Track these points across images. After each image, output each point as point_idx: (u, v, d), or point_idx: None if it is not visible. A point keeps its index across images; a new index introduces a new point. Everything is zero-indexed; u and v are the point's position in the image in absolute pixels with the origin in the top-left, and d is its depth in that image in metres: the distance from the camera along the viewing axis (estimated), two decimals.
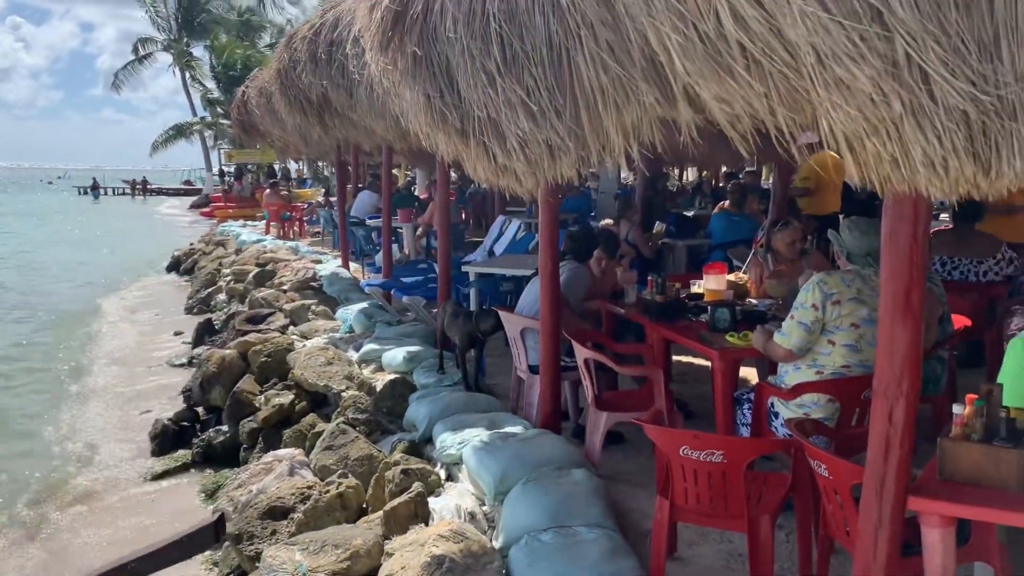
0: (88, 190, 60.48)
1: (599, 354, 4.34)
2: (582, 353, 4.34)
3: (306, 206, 21.19)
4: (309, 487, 4.47)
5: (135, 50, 50.29)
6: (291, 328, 8.76)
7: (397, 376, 6.14)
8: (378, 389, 6.05)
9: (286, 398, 6.28)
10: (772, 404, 3.65)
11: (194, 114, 50.23)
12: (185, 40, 48.94)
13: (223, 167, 46.83)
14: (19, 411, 8.46)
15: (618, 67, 1.73)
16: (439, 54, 1.99)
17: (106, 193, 60.64)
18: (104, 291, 16.08)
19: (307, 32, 4.67)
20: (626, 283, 5.44)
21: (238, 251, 16.13)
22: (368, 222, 13.18)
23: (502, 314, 5.35)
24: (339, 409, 5.79)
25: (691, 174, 23.82)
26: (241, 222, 22.52)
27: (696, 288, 5.26)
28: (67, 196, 60.98)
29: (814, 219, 7.42)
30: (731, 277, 5.33)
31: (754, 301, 4.98)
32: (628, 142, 1.90)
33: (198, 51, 49.91)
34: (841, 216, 7.15)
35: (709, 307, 4.47)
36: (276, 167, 39.49)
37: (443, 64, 1.99)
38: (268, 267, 12.57)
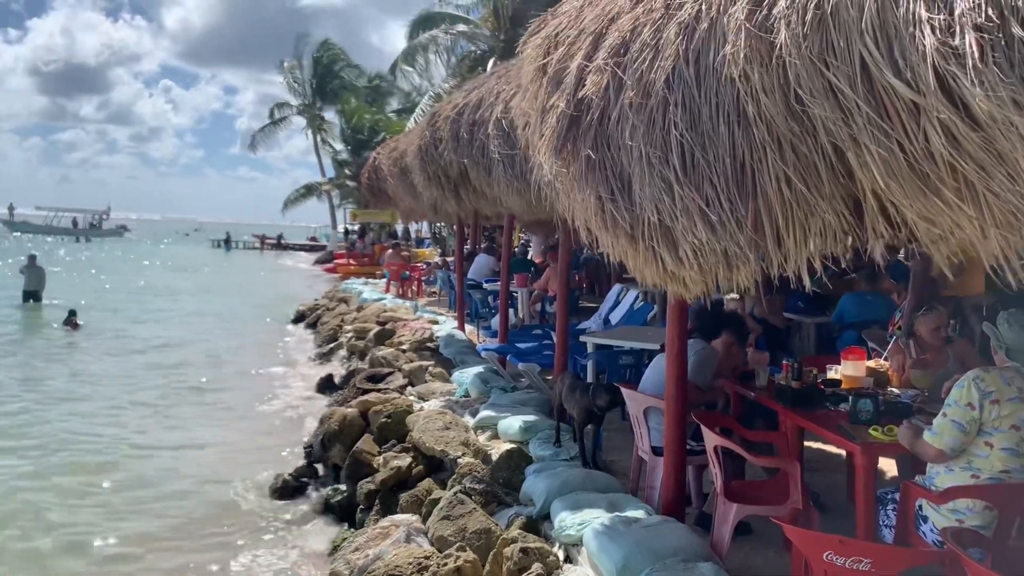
0: (221, 243, 64.17)
1: (730, 441, 4.17)
2: (711, 439, 4.18)
3: (424, 267, 21.73)
4: (426, 557, 4.45)
5: (272, 113, 53.64)
6: (409, 388, 8.91)
7: (513, 446, 6.10)
8: (494, 458, 6.03)
9: (404, 461, 6.33)
10: (920, 507, 3.40)
11: (323, 174, 52.81)
12: (318, 104, 51.85)
13: (347, 225, 48.94)
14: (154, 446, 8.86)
15: (806, 181, 1.68)
16: (613, 158, 2.00)
17: (237, 246, 64.17)
18: (233, 341, 16.85)
19: (450, 112, 4.83)
20: (757, 364, 5.24)
21: (359, 308, 16.65)
22: (484, 285, 13.39)
23: (624, 391, 5.25)
24: (455, 476, 5.78)
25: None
26: (363, 279, 23.27)
27: (833, 374, 5.00)
28: (203, 248, 64.86)
29: (955, 301, 7.00)
30: (870, 363, 5.06)
31: (897, 391, 4.70)
32: (812, 255, 1.84)
33: (329, 115, 52.74)
34: (987, 301, 6.70)
35: (850, 396, 4.24)
36: (397, 227, 40.89)
37: (617, 168, 2.00)
38: (388, 326, 12.89)
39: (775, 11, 1.60)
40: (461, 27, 25.53)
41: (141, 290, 27.89)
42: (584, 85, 2.11)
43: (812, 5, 1.52)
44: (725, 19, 1.74)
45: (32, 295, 21.36)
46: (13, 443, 9.08)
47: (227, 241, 63.14)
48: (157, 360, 14.55)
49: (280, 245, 63.27)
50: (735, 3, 1.74)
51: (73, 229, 74.85)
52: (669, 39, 1.85)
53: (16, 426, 9.81)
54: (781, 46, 1.55)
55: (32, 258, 22.03)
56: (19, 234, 65.89)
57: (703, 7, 1.83)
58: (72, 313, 18.04)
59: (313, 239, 68.66)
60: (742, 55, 1.65)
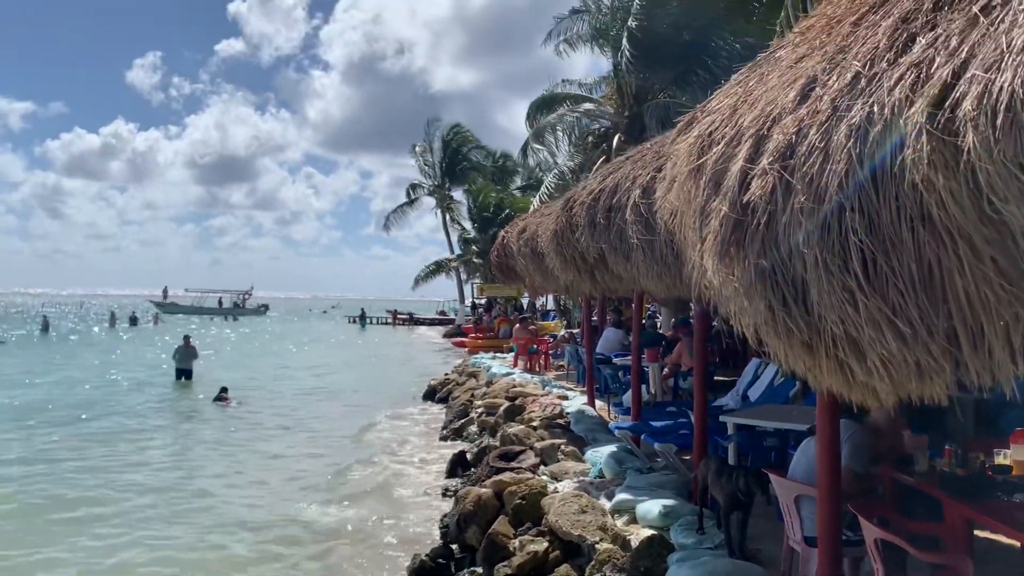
0: (357, 319, 66.72)
1: (891, 534, 3.88)
2: (871, 532, 3.90)
3: (551, 340, 21.76)
4: None
5: (408, 193, 56.12)
6: (542, 468, 8.83)
7: (654, 532, 5.89)
8: (633, 544, 5.84)
9: (540, 545, 6.23)
10: None
11: (451, 251, 54.39)
12: (447, 185, 53.83)
13: (475, 300, 49.98)
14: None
15: (1006, 283, 1.57)
16: (784, 264, 1.94)
17: (372, 322, 66.51)
18: (369, 417, 17.30)
19: (585, 198, 4.89)
20: (915, 448, 4.89)
21: (489, 383, 16.78)
22: (614, 360, 13.22)
23: (773, 478, 5.00)
24: (594, 563, 5.63)
25: None
26: (491, 354, 23.51)
27: (1001, 459, 4.60)
28: (340, 324, 67.63)
29: None
30: None
31: None
32: (1016, 360, 1.71)
33: (457, 194, 54.63)
34: None
35: None
36: (523, 300, 41.33)
37: (789, 275, 1.94)
38: (517, 401, 12.90)
39: (959, 113, 1.53)
40: (587, 106, 26.01)
41: (283, 366, 29.21)
42: (748, 188, 2.07)
43: (1003, 107, 1.44)
44: (902, 121, 1.67)
45: (184, 373, 22.79)
46: (196, 518, 9.56)
47: (362, 317, 65.60)
48: (302, 438, 15.09)
49: (411, 320, 65.10)
50: (911, 105, 1.67)
51: (218, 308, 79.78)
52: (840, 142, 1.79)
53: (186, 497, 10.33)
54: (969, 150, 1.46)
55: (187, 339, 23.57)
56: (170, 315, 70.79)
57: (875, 108, 1.76)
58: (223, 390, 19.12)
59: (442, 313, 70.32)
60: (925, 160, 1.57)
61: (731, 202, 2.14)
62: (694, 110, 3.09)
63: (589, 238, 4.72)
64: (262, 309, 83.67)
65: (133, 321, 58.58)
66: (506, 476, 7.97)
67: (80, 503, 10.02)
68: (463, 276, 54.88)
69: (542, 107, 26.67)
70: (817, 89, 2.03)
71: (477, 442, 12.36)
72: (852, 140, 1.78)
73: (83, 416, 16.84)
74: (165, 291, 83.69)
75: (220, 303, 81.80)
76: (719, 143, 2.39)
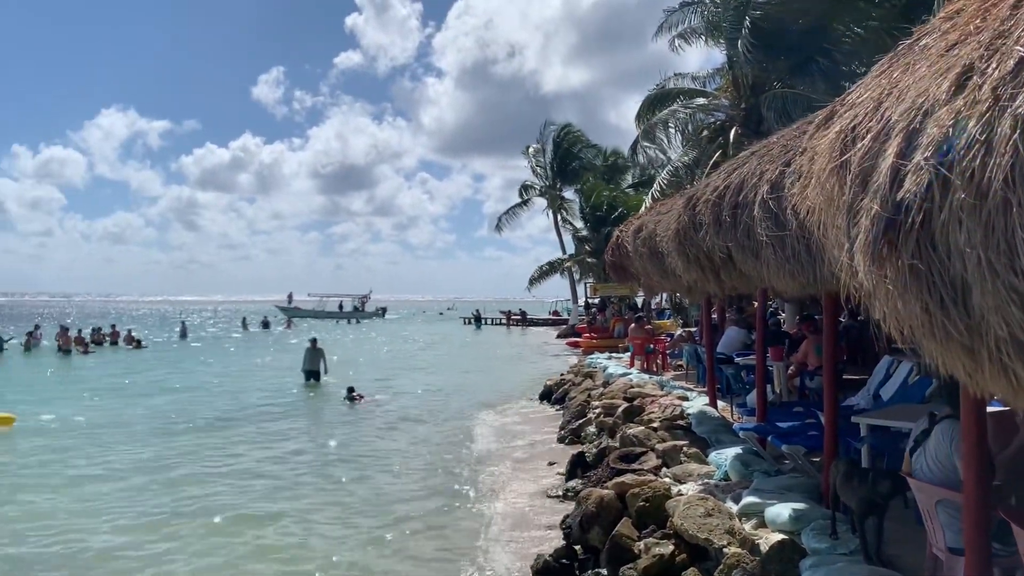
0: (472, 320, 67.77)
1: None
2: None
3: (668, 339, 21.43)
4: None
5: (520, 194, 56.63)
6: (664, 470, 8.72)
7: (784, 537, 5.72)
8: (762, 548, 5.69)
9: (666, 548, 6.16)
10: None
11: (563, 251, 54.52)
12: (558, 185, 53.98)
13: (588, 299, 49.87)
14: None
15: None
16: (942, 264, 1.85)
17: (486, 323, 67.39)
18: (484, 416, 17.54)
19: (710, 195, 4.79)
20: None
21: (605, 384, 16.69)
22: (736, 359, 12.90)
23: (911, 482, 4.76)
24: (722, 567, 5.52)
25: None
26: (607, 354, 23.38)
27: None
28: (455, 325, 68.87)
29: None
30: None
31: None
32: None
33: (568, 194, 54.70)
34: None
35: None
36: (637, 299, 40.92)
37: (947, 275, 1.85)
38: (636, 402, 12.77)
39: None
40: (700, 100, 25.50)
41: (402, 366, 30.01)
42: (901, 185, 1.98)
43: None
44: None
45: (312, 374, 23.77)
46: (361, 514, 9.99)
47: (477, 318, 66.60)
48: (421, 436, 15.46)
49: (524, 320, 65.57)
50: None
51: (338, 312, 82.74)
52: (1004, 134, 1.69)
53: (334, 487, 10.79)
54: None
55: (313, 341, 24.60)
56: (295, 319, 73.81)
57: None
58: (351, 390, 19.89)
59: (555, 313, 70.49)
60: None
61: (882, 200, 2.05)
62: (832, 104, 2.97)
63: (715, 236, 4.61)
64: (380, 312, 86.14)
65: (265, 325, 61.42)
66: (628, 478, 7.92)
67: (251, 504, 10.56)
68: (576, 276, 54.89)
69: (654, 103, 26.35)
70: (975, 78, 1.91)
71: (596, 443, 12.31)
72: (1019, 132, 1.66)
73: (222, 418, 17.81)
74: (290, 296, 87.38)
75: (340, 307, 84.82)
76: (864, 138, 2.29)
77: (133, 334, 42.18)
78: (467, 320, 70.45)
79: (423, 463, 12.91)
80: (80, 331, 38.90)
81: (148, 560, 8.18)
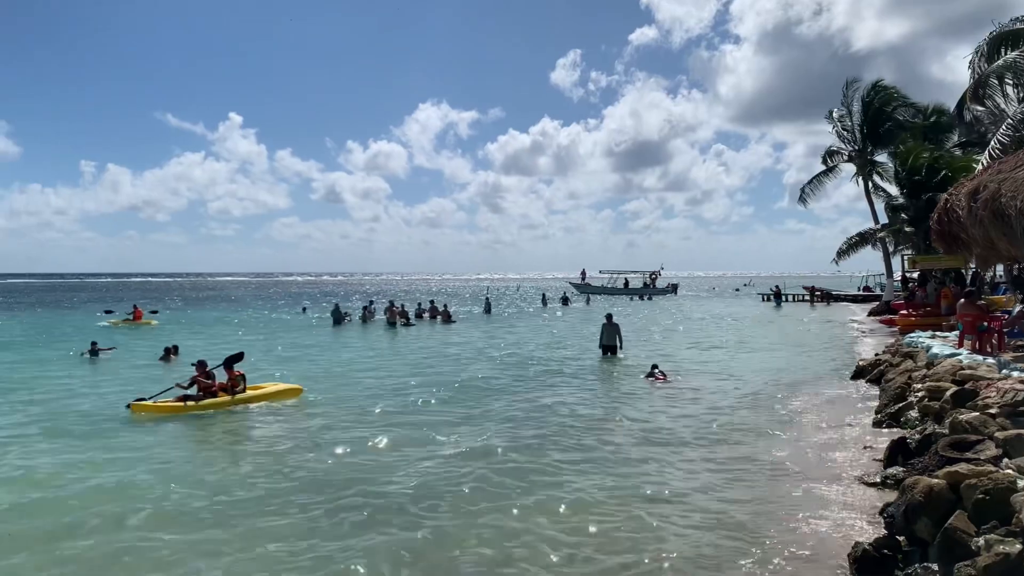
0: (771, 296, 64.89)
1: None
2: None
3: (1005, 316, 18.87)
4: None
5: (824, 161, 52.94)
6: (1005, 460, 7.73)
7: None
8: None
9: (1012, 547, 5.46)
10: None
11: (875, 221, 50.15)
12: (869, 149, 49.62)
13: (905, 273, 45.42)
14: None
15: None
16: None
17: (787, 299, 64.15)
18: (794, 397, 16.74)
19: None
20: None
21: (929, 365, 15.14)
22: None
23: None
24: None
25: None
26: (929, 332, 21.17)
27: None
28: (753, 302, 66.40)
29: None
30: None
31: None
32: None
33: (881, 158, 50.09)
34: None
35: None
36: (965, 272, 36.56)
37: None
38: (967, 385, 11.45)
39: None
40: None
41: (697, 344, 29.59)
42: None
43: None
44: None
45: (609, 348, 24.35)
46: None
47: (777, 295, 63.61)
48: (726, 417, 15.16)
49: (830, 297, 61.46)
50: None
51: (623, 288, 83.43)
52: None
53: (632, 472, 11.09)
54: None
55: (609, 317, 25.16)
56: (587, 295, 75.79)
57: None
58: (654, 367, 20.08)
59: (866, 288, 65.29)
60: None
61: None
62: None
63: None
64: (671, 288, 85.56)
65: (565, 301, 63.77)
66: (962, 467, 7.13)
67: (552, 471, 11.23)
68: (890, 247, 50.25)
69: (999, 45, 23.07)
70: None
71: (919, 428, 11.24)
72: None
73: (526, 386, 18.88)
74: (583, 273, 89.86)
75: (625, 283, 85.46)
76: None
77: (447, 309, 46.12)
78: (766, 297, 67.55)
79: (725, 441, 12.65)
80: (403, 306, 43.33)
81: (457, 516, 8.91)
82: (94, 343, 26.32)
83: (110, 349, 26.93)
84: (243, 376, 16.51)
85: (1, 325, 42.17)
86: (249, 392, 16.44)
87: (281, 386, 17.43)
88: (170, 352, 25.38)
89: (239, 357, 16.91)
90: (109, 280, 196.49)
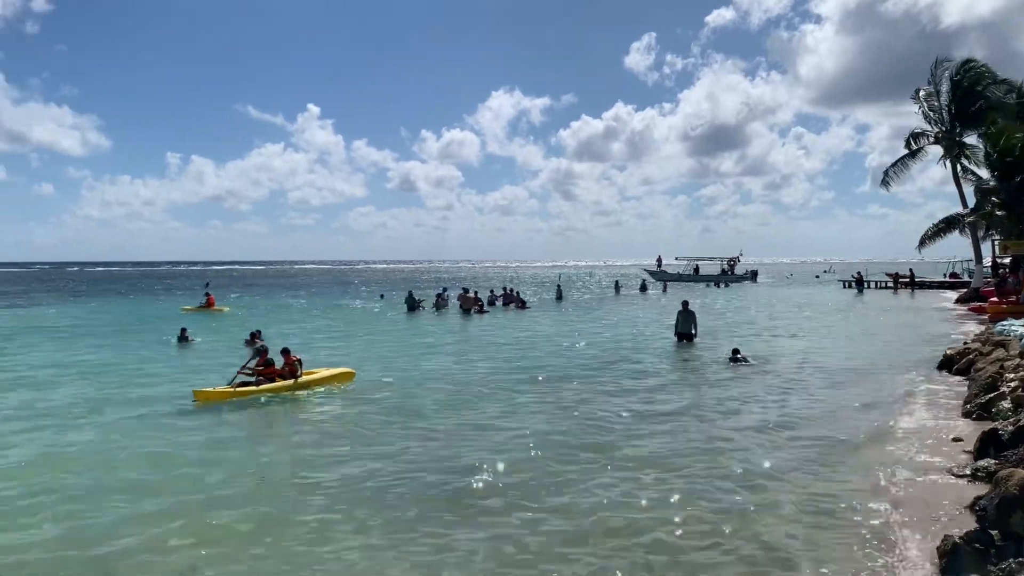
0: (852, 283, 63.06)
1: None
2: None
3: None
4: None
5: (908, 143, 51.08)
6: None
7: None
8: None
9: None
10: None
11: (963, 205, 48.23)
12: (958, 130, 47.65)
13: (996, 259, 43.57)
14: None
15: None
16: None
17: (869, 286, 62.25)
18: (873, 386, 16.32)
19: None
20: None
21: (1022, 354, 14.57)
22: None
23: None
24: None
25: None
26: (1022, 320, 20.33)
27: None
28: (832, 289, 64.65)
29: None
30: None
31: None
32: None
33: (970, 139, 48.08)
34: None
35: None
36: None
37: None
38: None
39: None
40: None
41: (777, 331, 29.00)
42: None
43: None
44: None
45: (685, 336, 24.19)
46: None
47: (859, 281, 61.78)
48: (807, 403, 14.89)
49: (914, 283, 59.41)
50: None
51: (697, 276, 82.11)
52: None
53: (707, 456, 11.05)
54: None
55: (685, 303, 24.96)
56: (663, 282, 74.87)
57: None
58: (736, 351, 19.94)
59: (953, 275, 62.88)
60: None
61: None
62: None
63: None
64: (750, 275, 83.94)
65: (643, 288, 63.29)
66: None
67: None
68: (980, 233, 48.24)
69: None
70: None
71: (1012, 419, 10.84)
72: None
73: (600, 373, 18.88)
74: (659, 260, 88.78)
75: (696, 270, 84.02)
76: None
77: (519, 295, 46.34)
78: (847, 283, 65.65)
79: (809, 427, 12.43)
80: (476, 293, 43.70)
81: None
82: (184, 329, 27.35)
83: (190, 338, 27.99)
84: (299, 361, 16.79)
85: (94, 311, 44.25)
86: (305, 377, 16.71)
87: (335, 371, 17.71)
88: (255, 336, 26.23)
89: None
90: (195, 268, 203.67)
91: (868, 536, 7.56)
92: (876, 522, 7.98)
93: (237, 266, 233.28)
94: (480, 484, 9.57)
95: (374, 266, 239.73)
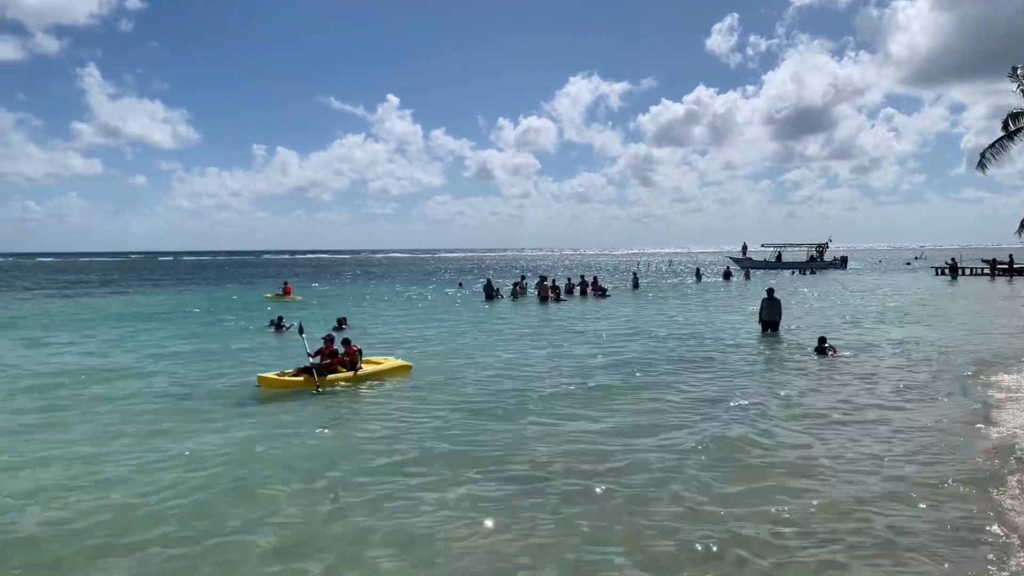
0: (946, 269, 60.61)
1: None
2: None
3: None
4: None
5: (1005, 125, 48.60)
6: None
7: None
8: None
9: None
10: None
11: None
12: None
13: None
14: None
15: None
16: None
17: (963, 273, 59.74)
18: (972, 377, 15.78)
19: None
20: None
21: None
22: None
23: None
24: None
25: None
26: None
27: None
28: (924, 276, 62.25)
29: None
30: None
31: None
32: None
33: None
34: None
35: None
36: None
37: None
38: None
39: None
40: None
41: (870, 319, 28.16)
42: None
43: None
44: None
45: (771, 324, 23.71)
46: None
47: (953, 268, 59.32)
48: (901, 395, 14.51)
49: (1014, 270, 56.69)
50: None
51: (780, 263, 79.75)
52: None
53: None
54: None
55: (770, 291, 24.45)
56: (746, 270, 72.96)
57: None
58: (822, 340, 19.65)
59: None
60: None
61: None
62: None
63: None
64: (840, 262, 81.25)
65: (727, 276, 61.94)
66: None
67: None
68: None
69: None
70: None
71: None
72: None
73: (682, 364, 18.73)
74: (744, 247, 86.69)
75: (778, 257, 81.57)
76: None
77: (601, 284, 46.11)
78: (939, 270, 63.09)
79: (912, 424, 12.09)
80: (554, 280, 43.65)
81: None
82: (280, 317, 28.01)
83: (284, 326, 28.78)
84: (360, 351, 16.89)
85: (189, 299, 46.11)
86: (366, 368, 16.80)
87: (395, 363, 17.77)
88: (342, 323, 27.14)
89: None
90: (282, 256, 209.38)
91: (975, 535, 7.40)
92: (979, 517, 7.80)
93: (323, 255, 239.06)
94: (590, 473, 9.71)
95: (452, 255, 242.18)
